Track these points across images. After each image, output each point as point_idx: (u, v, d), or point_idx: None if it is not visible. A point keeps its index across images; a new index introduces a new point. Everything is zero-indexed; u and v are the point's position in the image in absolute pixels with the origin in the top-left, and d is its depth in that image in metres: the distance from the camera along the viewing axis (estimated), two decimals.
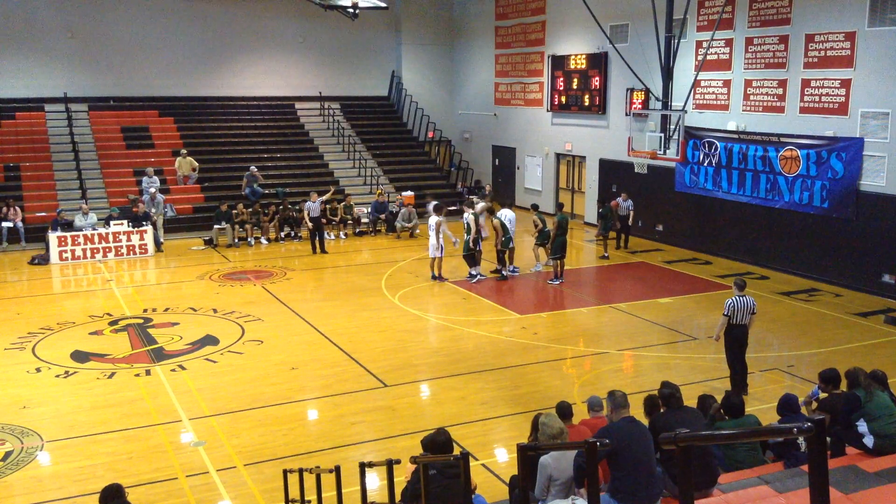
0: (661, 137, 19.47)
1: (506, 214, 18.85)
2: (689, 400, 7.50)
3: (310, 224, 21.77)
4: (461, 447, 9.08)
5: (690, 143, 20.89)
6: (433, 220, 18.28)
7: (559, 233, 18.00)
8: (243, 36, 29.47)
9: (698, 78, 20.20)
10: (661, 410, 7.15)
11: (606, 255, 21.02)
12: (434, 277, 18.47)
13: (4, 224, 21.91)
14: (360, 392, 11.89)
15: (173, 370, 12.81)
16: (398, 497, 6.93)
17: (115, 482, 6.21)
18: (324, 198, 22.66)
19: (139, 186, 24.16)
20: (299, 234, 23.65)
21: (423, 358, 13.50)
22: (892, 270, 16.80)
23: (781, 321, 15.38)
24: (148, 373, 12.71)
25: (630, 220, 21.90)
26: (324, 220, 22.42)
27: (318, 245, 21.73)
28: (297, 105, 30.12)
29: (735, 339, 11.43)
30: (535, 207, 19.65)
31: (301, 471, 7.95)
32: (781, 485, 6.23)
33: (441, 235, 18.21)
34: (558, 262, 18.20)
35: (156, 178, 24.10)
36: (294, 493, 8.25)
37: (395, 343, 14.22)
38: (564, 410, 7.56)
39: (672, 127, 19.46)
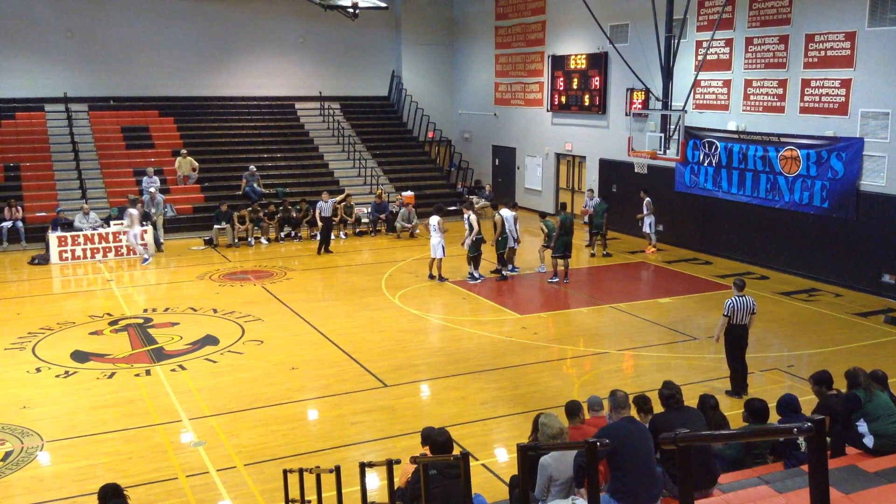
0: (661, 137, 19.48)
1: (504, 214, 18.84)
2: (689, 400, 7.51)
3: (320, 223, 21.75)
4: (461, 447, 9.08)
5: (690, 143, 20.89)
6: (434, 219, 18.27)
7: (562, 232, 18.00)
8: (243, 36, 29.47)
9: (698, 78, 20.20)
10: (662, 410, 7.15)
11: (593, 252, 21.35)
12: (431, 277, 18.48)
13: (4, 224, 21.92)
14: (360, 392, 11.89)
15: (173, 370, 12.81)
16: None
17: (113, 482, 6.21)
18: (337, 199, 22.88)
19: (139, 186, 24.16)
20: (299, 234, 23.67)
21: (423, 358, 13.50)
22: (892, 270, 16.80)
23: (781, 321, 15.37)
24: (148, 373, 12.71)
25: (594, 219, 21.29)
26: (335, 219, 22.46)
27: (324, 245, 21.71)
28: (297, 105, 30.12)
29: (735, 339, 11.43)
30: (542, 215, 19.53)
31: (301, 471, 7.94)
32: (781, 485, 6.22)
33: (442, 234, 18.24)
34: (559, 261, 18.21)
35: (156, 178, 24.10)
36: (294, 493, 8.24)
37: (395, 343, 14.22)
38: (572, 409, 7.53)
39: (672, 127, 19.46)
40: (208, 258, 21.31)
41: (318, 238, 21.96)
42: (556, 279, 18.24)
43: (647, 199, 21.19)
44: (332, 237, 23.50)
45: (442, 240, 18.15)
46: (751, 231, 19.95)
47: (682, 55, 20.31)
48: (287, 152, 27.92)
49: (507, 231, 18.60)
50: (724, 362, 11.79)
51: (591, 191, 22.95)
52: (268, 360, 13.28)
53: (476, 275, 18.36)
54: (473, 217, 18.16)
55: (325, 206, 21.77)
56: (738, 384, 11.46)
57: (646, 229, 21.46)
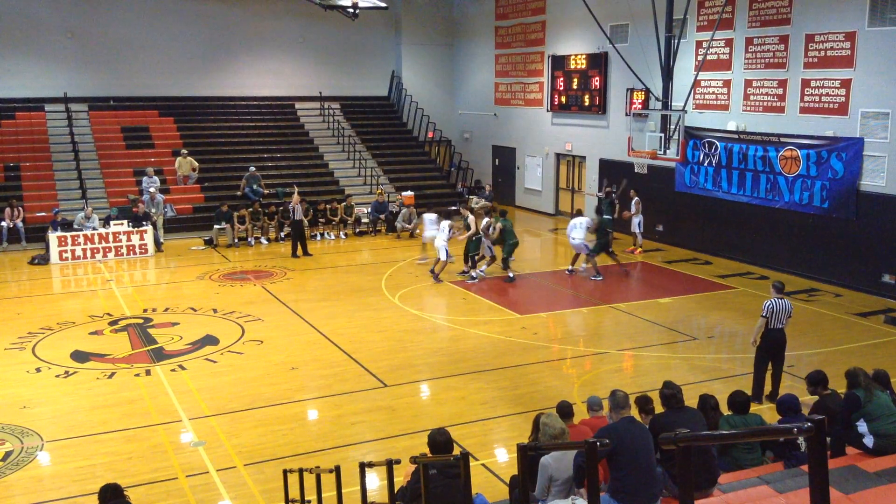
0: (661, 137, 19.46)
1: (580, 222, 18.51)
2: (689, 400, 7.50)
3: (288, 226, 21.58)
4: (461, 447, 9.08)
5: (690, 143, 20.89)
6: (433, 217, 18.30)
7: (508, 238, 18.10)
8: (243, 36, 29.46)
9: (698, 78, 20.19)
10: (662, 410, 7.15)
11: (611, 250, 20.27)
12: (433, 274, 18.46)
13: (4, 224, 21.92)
14: (360, 392, 11.89)
15: (173, 370, 12.81)
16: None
17: (113, 482, 6.22)
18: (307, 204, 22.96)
19: (139, 186, 24.16)
20: None
21: (423, 358, 13.49)
22: (892, 270, 16.80)
23: None
24: (148, 373, 12.71)
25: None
26: (306, 222, 22.12)
27: (300, 247, 21.38)
28: (297, 105, 30.12)
29: (773, 343, 11.13)
30: (503, 213, 19.15)
31: (301, 471, 7.95)
32: (781, 485, 6.23)
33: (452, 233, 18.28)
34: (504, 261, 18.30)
35: (156, 178, 24.10)
36: (294, 493, 8.25)
37: (395, 343, 14.22)
38: (565, 410, 7.56)
39: (672, 127, 19.45)
40: (208, 258, 21.31)
41: (296, 240, 21.50)
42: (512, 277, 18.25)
43: (636, 198, 21.17)
44: (333, 237, 23.55)
45: (446, 242, 18.17)
46: (751, 231, 19.95)
47: (682, 55, 20.31)
48: (287, 152, 27.92)
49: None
50: (724, 363, 11.78)
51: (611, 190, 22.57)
52: (268, 360, 13.27)
53: (474, 274, 18.37)
54: (471, 217, 18.19)
55: (297, 207, 21.50)
56: (760, 389, 11.14)
57: (634, 229, 21.42)
